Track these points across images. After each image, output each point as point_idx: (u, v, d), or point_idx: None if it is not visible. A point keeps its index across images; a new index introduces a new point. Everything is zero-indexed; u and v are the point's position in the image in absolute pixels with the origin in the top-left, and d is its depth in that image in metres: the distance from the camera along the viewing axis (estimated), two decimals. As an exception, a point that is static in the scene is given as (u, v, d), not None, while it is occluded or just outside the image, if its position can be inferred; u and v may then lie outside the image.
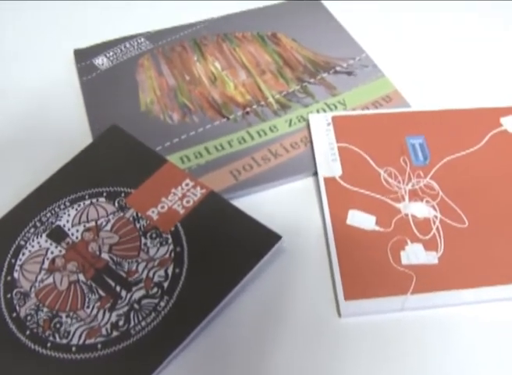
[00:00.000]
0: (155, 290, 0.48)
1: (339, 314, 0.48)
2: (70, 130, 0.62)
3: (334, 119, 0.60)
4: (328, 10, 0.74)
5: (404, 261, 0.50)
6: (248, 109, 0.62)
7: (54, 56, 0.70)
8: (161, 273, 0.49)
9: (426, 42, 0.71)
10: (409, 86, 0.65)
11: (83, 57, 0.69)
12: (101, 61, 0.68)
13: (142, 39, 0.71)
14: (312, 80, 0.65)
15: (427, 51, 0.69)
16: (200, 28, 0.72)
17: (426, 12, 0.74)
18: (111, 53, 0.69)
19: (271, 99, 0.63)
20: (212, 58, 0.69)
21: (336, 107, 0.62)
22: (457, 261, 0.50)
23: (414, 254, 0.50)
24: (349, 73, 0.66)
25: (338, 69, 0.66)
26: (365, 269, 0.49)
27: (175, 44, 0.70)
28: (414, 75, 0.66)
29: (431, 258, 0.50)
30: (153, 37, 0.71)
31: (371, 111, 0.61)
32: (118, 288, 0.48)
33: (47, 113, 0.64)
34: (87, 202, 0.54)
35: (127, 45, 0.70)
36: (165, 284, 0.48)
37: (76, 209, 0.53)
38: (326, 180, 0.55)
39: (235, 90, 0.65)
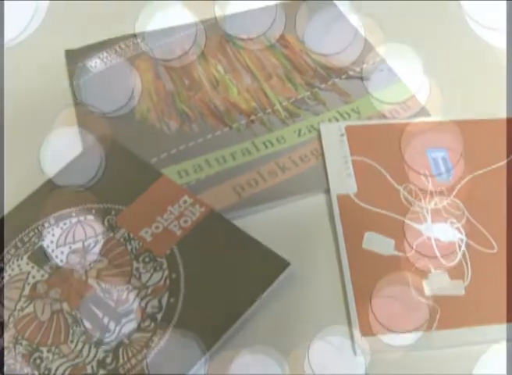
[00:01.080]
0: (148, 322, 0.43)
1: (355, 352, 0.43)
2: (58, 139, 0.58)
3: (348, 129, 0.56)
4: (341, 10, 0.69)
5: (427, 291, 0.46)
6: (253, 117, 0.58)
7: (43, 57, 0.66)
8: (155, 302, 0.44)
9: (446, 45, 0.66)
10: (428, 93, 0.60)
11: (75, 58, 0.65)
12: (94, 63, 0.64)
13: (138, 40, 0.67)
14: (323, 86, 0.61)
15: (448, 55, 0.65)
16: (201, 28, 0.67)
17: (446, 13, 0.70)
18: (104, 54, 0.65)
19: (278, 106, 0.59)
20: (214, 60, 0.64)
21: (349, 116, 0.58)
22: (487, 291, 0.46)
23: (439, 283, 0.46)
24: (363, 78, 0.61)
25: (351, 73, 0.62)
26: (384, 301, 0.45)
27: (174, 46, 0.65)
28: (433, 81, 0.61)
29: (457, 288, 0.46)
30: (150, 37, 0.67)
31: (388, 120, 0.57)
32: (105, 320, 0.44)
33: (33, 120, 0.59)
34: (74, 220, 0.49)
35: (122, 46, 0.66)
36: (159, 316, 0.43)
37: (62, 228, 0.49)
38: (340, 197, 0.51)
39: (238, 95, 0.60)
